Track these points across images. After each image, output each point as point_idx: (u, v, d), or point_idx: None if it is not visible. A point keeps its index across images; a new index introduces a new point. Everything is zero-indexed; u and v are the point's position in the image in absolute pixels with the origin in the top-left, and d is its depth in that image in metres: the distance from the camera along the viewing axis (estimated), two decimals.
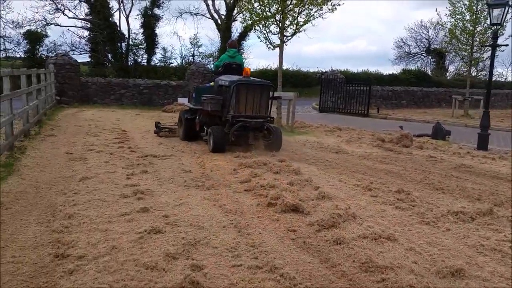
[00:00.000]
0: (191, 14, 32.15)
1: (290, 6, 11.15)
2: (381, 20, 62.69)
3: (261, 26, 11.35)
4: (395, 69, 66.81)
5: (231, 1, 30.29)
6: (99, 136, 9.33)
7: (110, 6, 26.26)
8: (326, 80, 22.70)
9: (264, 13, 11.12)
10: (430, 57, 43.88)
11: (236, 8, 30.90)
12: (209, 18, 32.08)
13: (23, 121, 8.92)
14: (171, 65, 30.23)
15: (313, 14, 11.27)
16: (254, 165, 6.66)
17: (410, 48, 44.36)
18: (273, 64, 37.16)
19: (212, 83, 9.19)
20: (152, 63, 28.66)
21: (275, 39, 11.59)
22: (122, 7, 27.01)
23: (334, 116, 19.37)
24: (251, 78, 8.45)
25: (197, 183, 5.56)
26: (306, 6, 11.11)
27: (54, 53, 21.95)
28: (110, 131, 10.24)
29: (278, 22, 11.39)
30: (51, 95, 14.65)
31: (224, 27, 30.32)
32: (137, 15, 27.43)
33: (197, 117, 8.96)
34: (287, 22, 11.42)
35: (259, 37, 11.55)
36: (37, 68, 14.28)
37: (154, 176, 5.88)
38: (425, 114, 22.24)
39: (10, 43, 26.28)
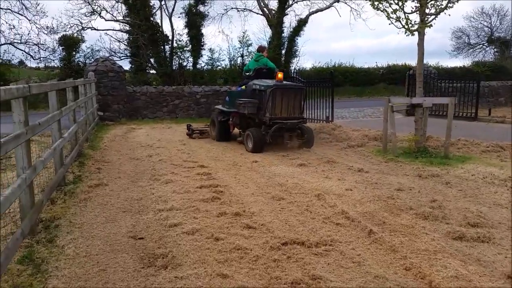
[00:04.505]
0: (238, 11, 28.74)
1: None
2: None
3: (395, 1, 7.59)
4: (455, 62, 61.72)
5: None
6: (173, 183, 5.84)
7: (151, 4, 23.16)
8: (414, 76, 18.54)
9: None
10: (493, 47, 39.04)
11: (288, 1, 27.28)
12: (258, 13, 28.68)
13: (55, 164, 5.59)
14: (218, 67, 26.88)
15: None
16: None
17: (469, 38, 39.59)
18: (331, 61, 33.38)
19: (243, 87, 9.51)
20: (198, 66, 25.38)
21: (410, 21, 7.77)
22: (164, 5, 23.88)
23: (434, 121, 15.28)
24: (284, 82, 8.89)
25: None
26: None
27: (93, 59, 18.95)
28: (184, 169, 6.75)
29: None
30: (92, 112, 11.42)
31: (275, 22, 26.67)
32: (181, 13, 24.27)
33: (230, 119, 9.60)
34: None
35: (388, 18, 7.80)
36: (73, 78, 11.07)
37: None
38: None
39: (45, 50, 23.64)
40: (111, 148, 8.92)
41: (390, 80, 31.43)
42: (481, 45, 40.23)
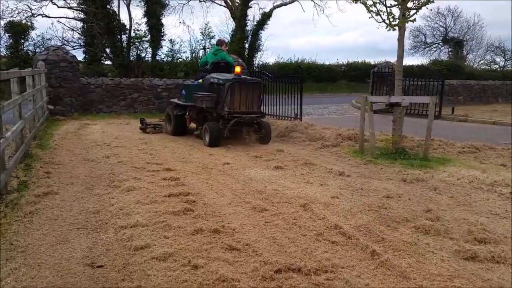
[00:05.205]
0: (200, 1, 27.71)
1: None
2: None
3: None
4: (411, 60, 63.78)
5: None
6: (136, 190, 5.10)
7: None
8: (378, 74, 18.55)
9: None
10: (447, 47, 40.37)
11: None
12: (221, 5, 27.82)
13: None
14: (179, 60, 25.81)
15: None
16: None
17: (425, 38, 40.66)
18: (295, 56, 32.68)
19: (200, 81, 9.40)
20: (158, 58, 24.22)
21: (392, 16, 7.36)
22: None
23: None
24: (242, 76, 8.85)
25: None
26: None
27: (43, 48, 17.46)
28: (148, 173, 6.00)
29: None
30: (42, 106, 10.33)
31: (239, 15, 25.94)
32: (139, 1, 23.00)
33: (187, 113, 9.42)
34: None
35: (369, 11, 7.36)
36: (19, 68, 9.93)
37: None
38: (496, 112, 18.42)
39: None
40: (62, 147, 7.97)
41: (351, 77, 31.67)
42: (436, 44, 41.39)
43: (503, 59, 42.60)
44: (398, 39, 7.55)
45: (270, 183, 5.60)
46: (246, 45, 26.09)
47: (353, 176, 6.16)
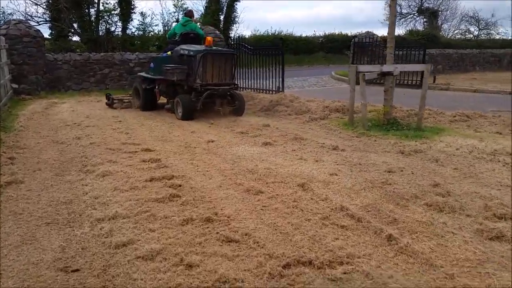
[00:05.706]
0: None
1: None
2: None
3: None
4: (387, 31, 63.94)
5: None
6: (112, 175, 4.54)
7: None
8: (359, 44, 18.11)
9: None
10: (422, 17, 40.20)
11: None
12: None
13: None
14: (151, 33, 24.72)
15: None
16: None
17: (401, 8, 40.25)
18: (272, 28, 31.65)
19: (169, 53, 9.03)
20: (128, 32, 23.11)
21: None
22: None
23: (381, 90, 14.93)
24: (213, 47, 8.51)
25: None
26: None
27: (3, 22, 16.20)
28: (125, 155, 5.43)
29: None
30: (4, 85, 9.47)
31: None
32: None
33: (156, 87, 9.10)
34: None
35: None
36: None
37: None
38: (475, 80, 18.40)
39: None
40: (29, 128, 7.27)
41: (328, 49, 31.21)
42: (412, 15, 41.11)
43: (477, 29, 42.91)
44: (389, 5, 7.11)
45: (260, 161, 5.15)
46: (221, 17, 25.15)
47: (348, 150, 5.77)
